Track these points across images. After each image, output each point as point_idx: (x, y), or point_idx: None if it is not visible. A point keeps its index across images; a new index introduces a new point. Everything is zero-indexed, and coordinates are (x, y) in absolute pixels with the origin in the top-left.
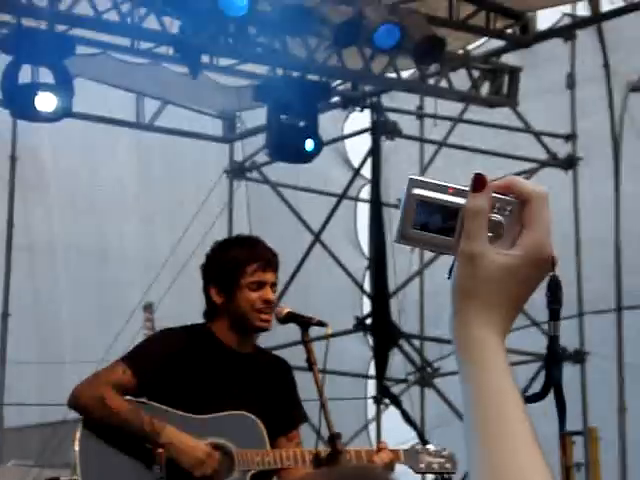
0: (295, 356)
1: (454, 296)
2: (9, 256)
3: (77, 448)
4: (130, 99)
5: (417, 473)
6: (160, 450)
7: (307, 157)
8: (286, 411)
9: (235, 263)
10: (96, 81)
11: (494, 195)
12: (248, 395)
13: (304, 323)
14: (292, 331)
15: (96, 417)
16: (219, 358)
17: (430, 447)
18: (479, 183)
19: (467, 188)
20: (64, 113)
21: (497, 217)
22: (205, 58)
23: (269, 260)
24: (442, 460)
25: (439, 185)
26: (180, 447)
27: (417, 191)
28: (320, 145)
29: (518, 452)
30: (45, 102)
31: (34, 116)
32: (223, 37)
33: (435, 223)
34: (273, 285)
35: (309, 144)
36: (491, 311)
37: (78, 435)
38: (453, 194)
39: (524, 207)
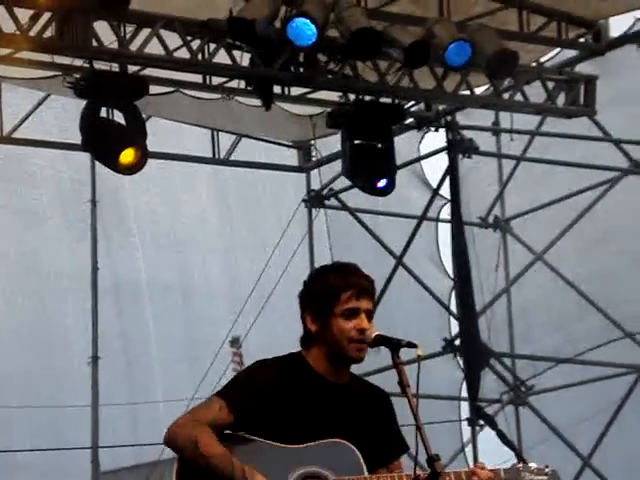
0: (386, 382)
1: None
2: (95, 298)
3: None
4: (205, 135)
5: None
6: None
7: (382, 192)
8: (386, 442)
9: (330, 290)
10: (171, 119)
11: None
12: (345, 427)
13: (394, 345)
14: (381, 357)
15: (188, 459)
16: (315, 390)
17: (532, 465)
18: None
19: None
20: (144, 162)
21: None
22: (277, 89)
23: (364, 287)
24: (545, 477)
25: None
26: None
27: None
28: (393, 182)
29: None
30: (127, 156)
31: (116, 167)
32: (293, 67)
33: None
34: (369, 313)
35: (382, 183)
36: None
37: (174, 471)
38: None
39: None
